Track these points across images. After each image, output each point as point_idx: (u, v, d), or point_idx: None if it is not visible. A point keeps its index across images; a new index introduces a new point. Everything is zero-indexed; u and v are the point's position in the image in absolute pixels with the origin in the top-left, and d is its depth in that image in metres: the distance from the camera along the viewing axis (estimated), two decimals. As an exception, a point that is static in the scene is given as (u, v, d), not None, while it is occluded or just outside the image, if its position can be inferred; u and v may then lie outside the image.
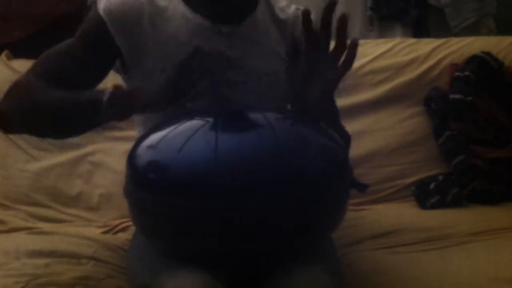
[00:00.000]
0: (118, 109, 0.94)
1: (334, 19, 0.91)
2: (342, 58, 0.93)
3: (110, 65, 1.09)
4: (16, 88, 1.03)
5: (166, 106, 0.96)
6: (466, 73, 1.65)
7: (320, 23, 0.92)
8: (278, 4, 1.16)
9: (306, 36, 0.93)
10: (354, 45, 0.91)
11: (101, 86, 1.06)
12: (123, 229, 1.39)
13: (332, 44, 0.93)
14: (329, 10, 0.90)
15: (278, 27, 1.14)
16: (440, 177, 1.58)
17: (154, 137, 0.92)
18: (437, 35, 2.04)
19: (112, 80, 1.09)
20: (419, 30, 2.34)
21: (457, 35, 2.16)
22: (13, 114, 1.02)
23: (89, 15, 1.10)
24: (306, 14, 0.92)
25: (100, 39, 1.06)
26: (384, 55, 1.75)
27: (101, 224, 1.44)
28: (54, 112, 0.98)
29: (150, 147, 0.92)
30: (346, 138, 1.16)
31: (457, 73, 1.66)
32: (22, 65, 1.64)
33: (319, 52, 0.93)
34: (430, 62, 1.72)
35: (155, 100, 0.96)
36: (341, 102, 1.44)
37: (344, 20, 0.90)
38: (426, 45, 1.78)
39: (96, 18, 1.06)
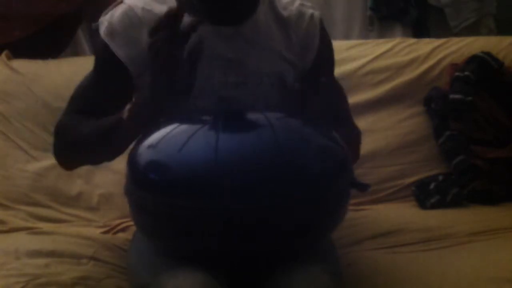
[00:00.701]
0: (138, 121, 0.96)
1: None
2: None
3: (130, 85, 1.08)
4: (58, 128, 1.12)
5: (161, 83, 0.95)
6: (466, 73, 1.65)
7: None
8: (281, 1, 1.15)
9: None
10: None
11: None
12: (123, 229, 1.39)
13: None
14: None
15: (281, 26, 1.13)
16: (440, 177, 1.58)
17: (155, 137, 0.92)
18: (437, 35, 2.04)
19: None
20: (419, 30, 2.34)
21: (457, 35, 2.17)
22: (64, 152, 1.12)
23: (95, 42, 1.13)
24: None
25: (109, 62, 1.08)
26: (384, 55, 1.75)
27: (101, 224, 1.44)
28: (89, 143, 1.05)
29: (151, 147, 0.92)
30: (356, 133, 1.16)
31: (457, 73, 1.66)
32: (22, 65, 1.65)
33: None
34: (430, 62, 1.72)
35: (149, 88, 0.96)
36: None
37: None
38: (426, 45, 1.78)
39: (100, 43, 1.09)
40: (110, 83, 1.09)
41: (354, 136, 1.19)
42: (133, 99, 0.99)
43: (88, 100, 1.10)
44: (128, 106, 0.97)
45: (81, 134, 1.05)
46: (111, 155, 1.09)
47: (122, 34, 1.06)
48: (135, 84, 1.07)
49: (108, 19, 1.08)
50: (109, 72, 1.09)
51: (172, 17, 0.92)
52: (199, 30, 1.07)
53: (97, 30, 1.09)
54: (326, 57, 1.17)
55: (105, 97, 1.08)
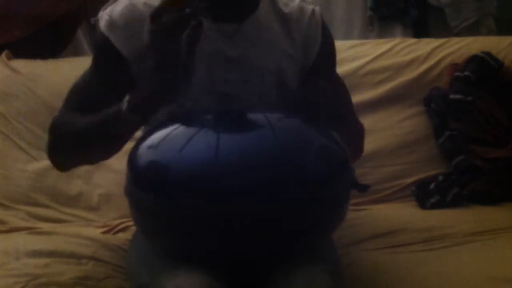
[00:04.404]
0: (138, 112, 0.95)
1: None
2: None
3: (130, 78, 1.07)
4: (54, 128, 1.09)
5: (164, 76, 0.94)
6: (466, 73, 1.65)
7: None
8: None
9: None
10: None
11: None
12: (123, 229, 1.39)
13: None
14: None
15: (282, 22, 1.13)
16: (440, 177, 1.58)
17: (155, 137, 0.92)
18: (437, 35, 2.04)
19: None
20: (419, 30, 2.34)
21: (457, 35, 2.17)
22: (60, 153, 1.09)
23: (94, 36, 1.11)
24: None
25: (109, 56, 1.07)
26: (384, 55, 1.75)
27: (101, 224, 1.44)
28: (89, 138, 1.02)
29: (151, 147, 0.92)
30: (360, 128, 1.16)
31: (457, 73, 1.66)
32: (22, 65, 1.65)
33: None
34: (430, 62, 1.72)
35: (152, 78, 0.95)
36: (341, 102, 1.45)
37: None
38: (426, 45, 1.78)
39: (100, 37, 1.07)
40: (109, 78, 1.07)
41: (357, 132, 1.19)
42: (134, 90, 0.98)
43: (86, 97, 1.08)
44: (127, 98, 0.95)
45: (78, 129, 1.03)
46: (109, 151, 1.07)
47: (123, 28, 1.05)
48: (136, 77, 1.07)
49: (109, 13, 1.07)
50: (108, 66, 1.08)
51: (175, 1, 0.92)
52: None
53: (96, 24, 1.09)
54: (328, 52, 1.17)
55: (104, 93, 1.06)
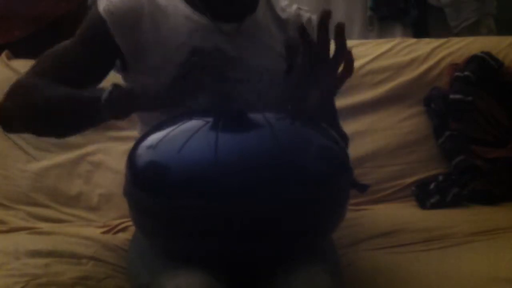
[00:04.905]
0: (117, 107, 0.95)
1: (336, 19, 0.92)
2: (342, 65, 0.94)
3: (111, 64, 1.09)
4: (16, 87, 1.04)
5: (169, 106, 0.96)
6: (466, 73, 1.65)
7: (317, 33, 0.93)
8: (279, 4, 1.17)
9: (305, 45, 0.94)
10: (349, 52, 0.94)
11: (102, 86, 1.06)
12: (123, 229, 1.39)
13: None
14: (324, 18, 0.91)
15: (279, 26, 1.14)
16: (440, 177, 1.58)
17: (154, 137, 0.92)
18: (437, 35, 2.04)
19: (112, 79, 1.09)
20: (419, 30, 2.34)
21: (457, 35, 2.17)
22: (13, 113, 1.04)
23: (89, 15, 1.10)
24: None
25: (100, 38, 1.06)
26: (384, 55, 1.75)
27: (101, 224, 1.44)
28: (54, 109, 0.99)
29: (150, 147, 0.91)
30: (344, 140, 1.16)
31: (457, 73, 1.66)
32: (22, 65, 1.64)
33: (319, 60, 0.95)
34: (430, 62, 1.72)
35: (158, 99, 0.96)
36: (341, 102, 1.45)
37: (340, 29, 0.92)
38: (426, 45, 1.78)
39: (96, 17, 1.07)
40: (92, 55, 1.06)
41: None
42: (126, 88, 0.97)
43: (61, 66, 1.06)
44: (109, 88, 0.95)
45: (47, 97, 1.00)
46: (69, 130, 1.05)
47: (122, 16, 1.05)
48: (126, 69, 1.07)
49: None
50: (96, 45, 1.07)
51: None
52: (200, 29, 1.07)
53: (94, 4, 1.08)
54: None
55: (81, 69, 1.05)
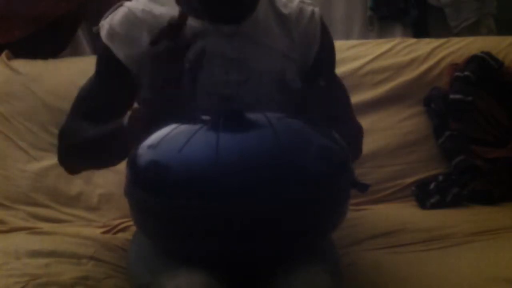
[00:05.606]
0: (138, 129, 0.96)
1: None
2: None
3: (133, 88, 1.08)
4: (61, 134, 1.13)
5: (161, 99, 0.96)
6: (466, 73, 1.65)
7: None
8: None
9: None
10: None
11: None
12: (123, 229, 1.39)
13: None
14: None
15: (281, 23, 1.13)
16: (440, 177, 1.58)
17: (155, 137, 0.92)
18: (437, 35, 2.04)
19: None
20: (419, 30, 2.34)
21: (457, 35, 2.17)
22: (67, 158, 1.14)
23: (97, 45, 1.14)
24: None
25: (110, 65, 1.09)
26: (384, 55, 1.75)
27: (101, 224, 1.44)
28: (91, 149, 1.06)
29: (151, 147, 0.91)
30: (359, 132, 1.16)
31: (457, 73, 1.66)
32: (22, 65, 1.65)
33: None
34: (430, 62, 1.72)
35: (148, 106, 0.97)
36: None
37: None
38: (426, 45, 1.78)
39: (102, 46, 1.10)
40: (112, 86, 1.10)
41: (355, 133, 1.19)
42: (135, 105, 1.00)
43: (90, 103, 1.11)
44: (129, 113, 0.98)
45: (85, 140, 1.06)
46: (114, 160, 1.10)
47: (123, 36, 1.07)
48: (137, 84, 1.07)
49: (109, 22, 1.09)
50: (111, 74, 1.10)
51: (174, 26, 0.93)
52: (199, 32, 1.07)
53: (98, 33, 1.10)
54: (327, 53, 1.17)
55: (108, 99, 1.09)
